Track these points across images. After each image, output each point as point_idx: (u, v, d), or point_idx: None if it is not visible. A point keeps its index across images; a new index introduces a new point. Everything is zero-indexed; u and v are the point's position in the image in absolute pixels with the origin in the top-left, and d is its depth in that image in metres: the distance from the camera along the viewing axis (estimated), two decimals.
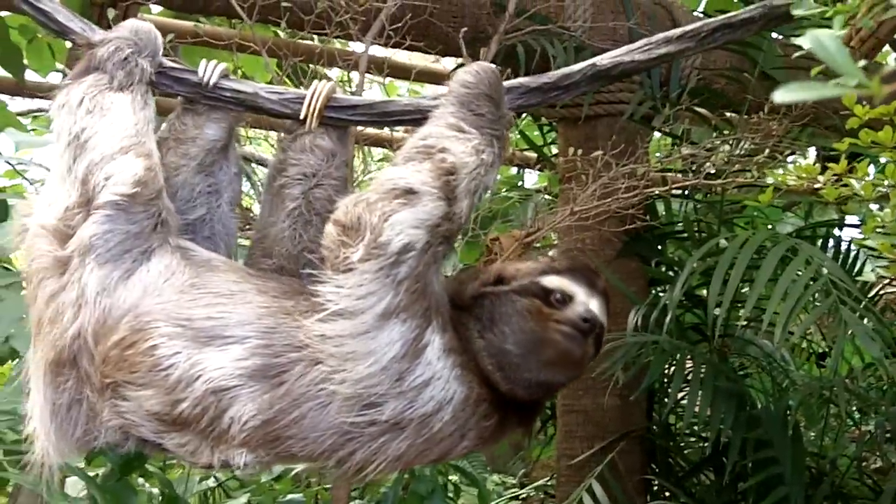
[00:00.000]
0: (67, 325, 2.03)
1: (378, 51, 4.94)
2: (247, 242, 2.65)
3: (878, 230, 2.95)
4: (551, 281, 2.13)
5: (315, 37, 4.61)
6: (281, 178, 2.39)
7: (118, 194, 2.06)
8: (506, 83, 2.27)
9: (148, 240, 2.10)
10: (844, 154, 2.68)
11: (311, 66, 4.20)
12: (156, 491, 4.66)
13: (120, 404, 2.03)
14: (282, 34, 4.85)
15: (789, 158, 5.00)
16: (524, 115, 5.49)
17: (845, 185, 2.86)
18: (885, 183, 2.80)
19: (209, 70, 2.32)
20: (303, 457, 2.03)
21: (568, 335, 2.08)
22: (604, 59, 2.39)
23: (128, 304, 2.04)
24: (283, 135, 2.48)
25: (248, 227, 3.71)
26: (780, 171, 4.41)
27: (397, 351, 1.93)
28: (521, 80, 2.39)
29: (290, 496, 5.42)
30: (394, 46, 4.07)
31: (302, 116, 2.33)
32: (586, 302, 2.11)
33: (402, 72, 5.09)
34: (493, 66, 2.21)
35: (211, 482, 6.63)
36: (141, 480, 4.48)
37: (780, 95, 0.99)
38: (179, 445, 2.04)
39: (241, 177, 2.51)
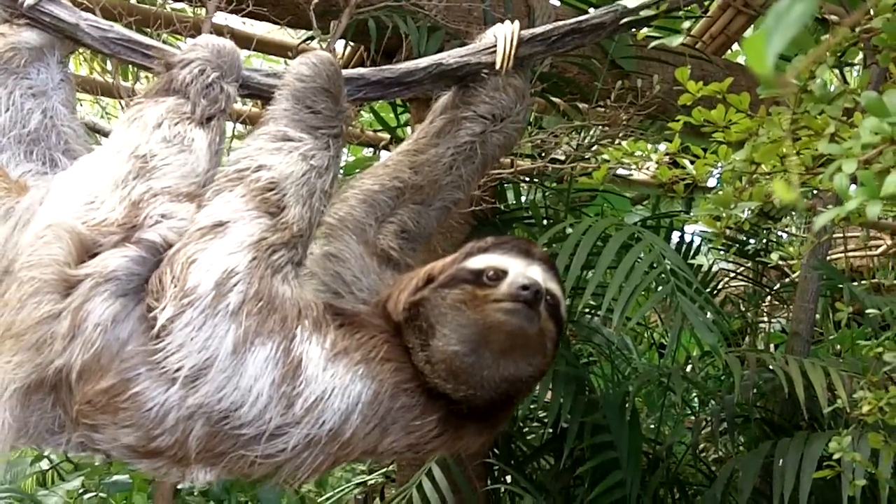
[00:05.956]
0: (53, 357, 1.84)
1: (235, 21, 4.77)
2: None
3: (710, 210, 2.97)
4: (478, 261, 1.94)
5: None
6: (467, 111, 2.35)
7: (163, 239, 1.90)
8: (345, 72, 2.19)
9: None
10: (677, 132, 2.68)
11: (148, 29, 3.98)
12: None
13: (93, 436, 1.92)
14: None
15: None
16: None
17: (680, 168, 2.86)
18: (718, 164, 2.81)
19: None
20: (239, 469, 1.93)
21: (510, 311, 1.86)
22: (450, 59, 2.34)
23: (119, 341, 1.87)
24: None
25: None
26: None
27: (273, 374, 1.81)
28: (361, 70, 2.32)
29: (115, 477, 5.23)
30: (235, 13, 3.92)
31: (498, 63, 2.31)
32: (523, 271, 1.91)
33: (246, 41, 4.91)
34: (331, 56, 2.12)
35: (45, 464, 6.43)
36: None
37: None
38: (151, 468, 1.96)
39: (72, 87, 2.39)
